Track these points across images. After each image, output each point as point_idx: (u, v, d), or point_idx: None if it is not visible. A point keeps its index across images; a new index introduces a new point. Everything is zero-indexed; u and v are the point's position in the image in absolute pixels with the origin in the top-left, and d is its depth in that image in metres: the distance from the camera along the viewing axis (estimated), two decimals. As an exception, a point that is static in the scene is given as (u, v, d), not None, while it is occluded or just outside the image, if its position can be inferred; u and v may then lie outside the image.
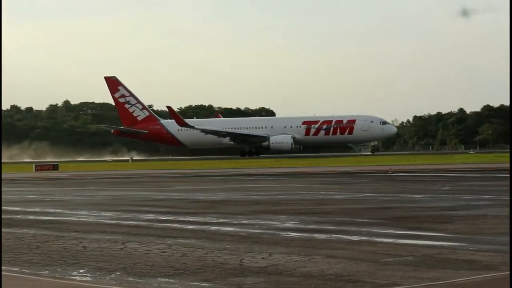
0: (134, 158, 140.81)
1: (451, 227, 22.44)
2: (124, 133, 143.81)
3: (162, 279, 14.35)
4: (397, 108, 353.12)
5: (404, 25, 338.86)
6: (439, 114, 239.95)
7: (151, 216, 27.88)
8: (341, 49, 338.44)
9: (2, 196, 38.85)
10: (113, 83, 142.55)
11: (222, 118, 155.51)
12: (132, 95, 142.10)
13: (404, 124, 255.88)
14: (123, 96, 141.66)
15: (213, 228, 23.47)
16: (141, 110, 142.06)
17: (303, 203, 33.39)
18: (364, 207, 30.24)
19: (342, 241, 19.78)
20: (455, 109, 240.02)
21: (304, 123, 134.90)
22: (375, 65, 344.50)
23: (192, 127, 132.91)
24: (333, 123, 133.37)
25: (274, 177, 61.03)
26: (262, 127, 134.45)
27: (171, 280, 14.22)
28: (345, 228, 22.76)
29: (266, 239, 20.64)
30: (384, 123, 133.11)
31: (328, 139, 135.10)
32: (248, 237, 21.23)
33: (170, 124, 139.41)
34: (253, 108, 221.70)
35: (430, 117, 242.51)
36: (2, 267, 15.99)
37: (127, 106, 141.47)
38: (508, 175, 48.88)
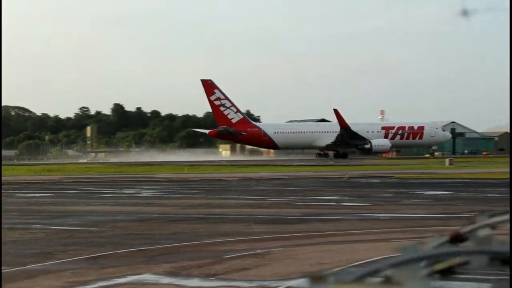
0: None
1: None
2: (221, 134, 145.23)
3: None
4: None
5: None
6: None
7: None
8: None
9: None
10: (209, 86, 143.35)
11: (310, 122, 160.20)
12: (227, 98, 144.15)
13: None
14: (218, 99, 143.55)
15: None
16: (235, 113, 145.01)
17: None
18: None
19: None
20: None
21: (382, 128, 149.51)
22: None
23: (349, 128, 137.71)
24: (406, 129, 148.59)
25: None
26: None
27: None
28: None
29: None
30: (444, 129, 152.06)
31: (402, 143, 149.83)
32: None
33: (266, 127, 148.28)
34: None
35: None
36: None
37: (222, 108, 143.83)
38: None
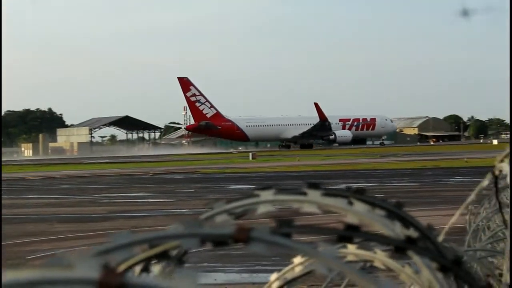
0: None
1: None
2: (200, 128, 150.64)
3: None
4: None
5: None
6: None
7: None
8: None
9: None
10: (185, 83, 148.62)
11: (276, 116, 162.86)
12: (201, 94, 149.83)
13: None
14: (194, 95, 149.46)
15: None
16: (209, 108, 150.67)
17: None
18: None
19: None
20: None
21: (340, 120, 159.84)
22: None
23: (327, 121, 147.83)
24: (360, 121, 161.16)
25: None
26: (307, 124, 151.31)
27: None
28: None
29: None
30: (392, 121, 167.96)
31: (357, 134, 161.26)
32: None
33: (239, 121, 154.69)
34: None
35: None
36: None
37: (197, 104, 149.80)
38: None
